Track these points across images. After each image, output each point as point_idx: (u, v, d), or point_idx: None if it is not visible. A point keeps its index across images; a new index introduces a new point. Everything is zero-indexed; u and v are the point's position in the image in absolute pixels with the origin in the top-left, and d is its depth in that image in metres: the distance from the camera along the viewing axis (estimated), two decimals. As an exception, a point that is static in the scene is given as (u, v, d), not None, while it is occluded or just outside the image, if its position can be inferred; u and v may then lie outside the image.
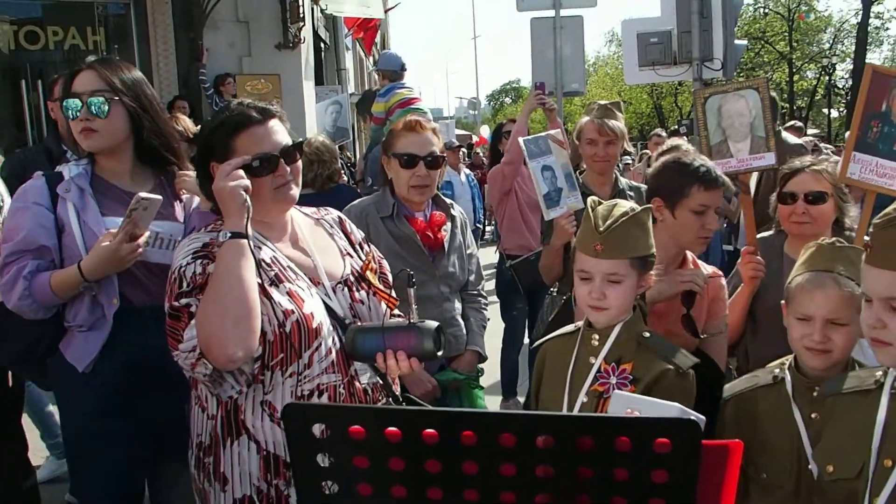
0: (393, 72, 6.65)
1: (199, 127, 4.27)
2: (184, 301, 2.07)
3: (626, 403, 1.99)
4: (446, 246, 3.32)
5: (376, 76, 7.63)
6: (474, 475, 1.22)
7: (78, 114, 2.56)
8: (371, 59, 22.42)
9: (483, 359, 3.42)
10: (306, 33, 11.09)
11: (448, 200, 3.52)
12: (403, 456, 1.24)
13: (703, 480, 1.14)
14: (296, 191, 2.29)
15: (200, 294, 2.06)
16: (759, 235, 3.06)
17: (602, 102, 4.07)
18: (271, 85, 10.15)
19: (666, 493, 1.15)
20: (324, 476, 1.31)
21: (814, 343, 2.19)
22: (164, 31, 9.58)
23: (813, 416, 2.17)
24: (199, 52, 9.78)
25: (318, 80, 13.61)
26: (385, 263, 2.62)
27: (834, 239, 2.33)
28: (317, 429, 1.29)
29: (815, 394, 2.15)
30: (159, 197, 2.52)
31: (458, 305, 3.37)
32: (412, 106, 6.07)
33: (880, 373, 1.82)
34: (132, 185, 2.66)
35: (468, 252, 3.48)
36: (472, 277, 3.47)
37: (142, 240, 2.50)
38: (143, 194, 2.46)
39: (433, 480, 1.24)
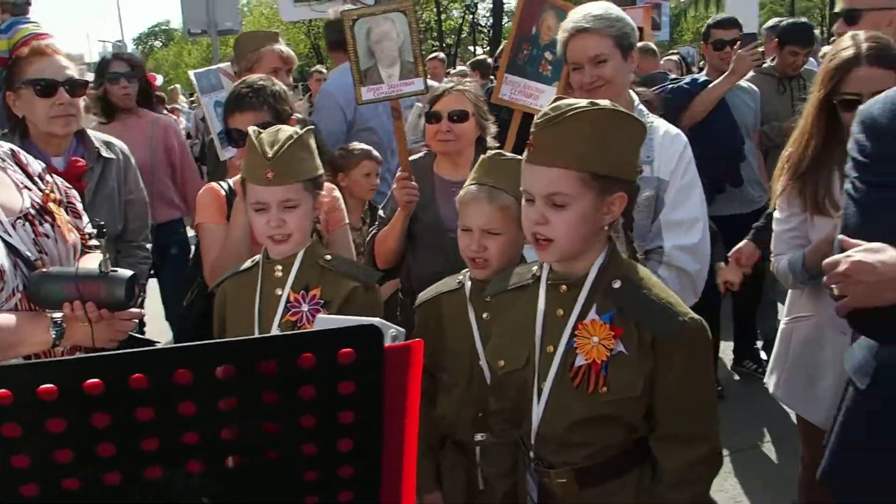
0: (14, 4, 5.82)
1: None
2: None
3: (329, 325, 1.99)
4: (88, 196, 3.04)
5: (-6, 10, 6.64)
6: (151, 421, 1.11)
7: None
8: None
9: None
10: None
11: (107, 138, 3.20)
12: (63, 415, 1.09)
13: (388, 384, 1.15)
14: None
15: None
16: (410, 158, 3.16)
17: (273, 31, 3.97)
18: None
19: (354, 403, 1.14)
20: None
21: (472, 252, 2.35)
22: None
23: (484, 315, 2.33)
24: None
25: (-76, 21, 11.63)
26: (74, 193, 2.44)
27: (495, 152, 2.49)
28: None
29: (486, 297, 2.32)
30: None
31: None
32: (43, 41, 5.38)
33: (536, 267, 1.97)
34: None
35: (129, 198, 3.21)
36: (132, 226, 3.22)
37: None
38: None
39: (103, 435, 1.11)
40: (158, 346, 2.59)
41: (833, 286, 1.68)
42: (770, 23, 6.41)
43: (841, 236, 1.74)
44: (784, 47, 5.43)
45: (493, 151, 2.51)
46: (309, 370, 1.10)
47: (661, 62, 8.47)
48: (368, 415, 1.15)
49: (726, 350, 5.60)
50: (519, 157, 2.13)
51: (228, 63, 3.54)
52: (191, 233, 4.70)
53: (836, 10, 3.73)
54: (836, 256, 1.68)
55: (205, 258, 2.84)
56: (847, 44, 2.67)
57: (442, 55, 11.85)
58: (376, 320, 1.80)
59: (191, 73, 3.38)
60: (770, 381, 3.02)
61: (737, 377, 5.44)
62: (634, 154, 1.84)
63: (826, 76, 2.66)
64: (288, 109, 2.89)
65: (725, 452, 4.35)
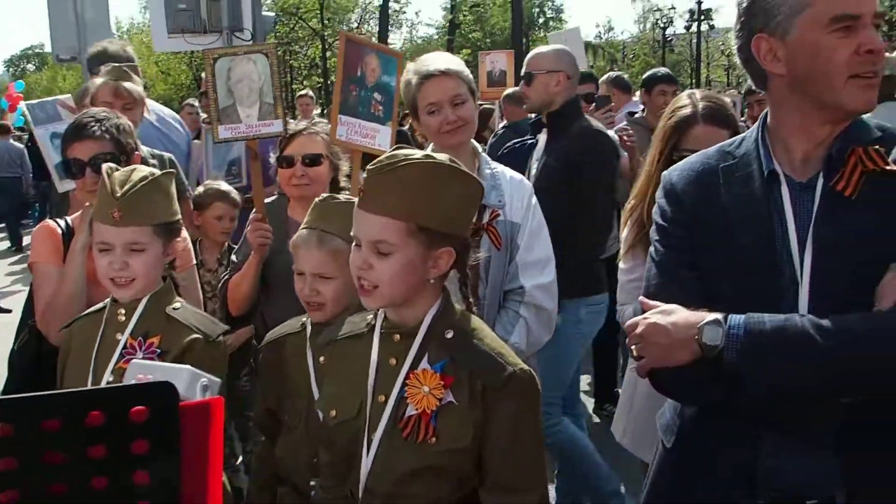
0: None
1: None
2: None
3: (140, 370, 1.90)
4: None
5: None
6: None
7: None
8: None
9: None
10: None
11: None
12: None
13: (187, 442, 1.11)
14: None
15: None
16: (266, 201, 3.12)
17: (116, 65, 3.79)
18: None
19: (149, 463, 1.09)
20: None
21: (306, 296, 2.33)
22: None
23: (321, 359, 2.29)
24: None
25: None
26: None
27: (328, 195, 2.49)
28: None
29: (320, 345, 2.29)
30: None
31: None
32: None
33: (371, 316, 1.96)
34: None
35: None
36: None
37: None
38: None
39: None
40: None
41: (633, 347, 1.75)
42: (612, 76, 6.80)
43: (642, 297, 1.82)
44: (652, 91, 5.67)
45: (326, 195, 2.50)
46: (98, 429, 1.04)
47: None
48: (165, 474, 1.11)
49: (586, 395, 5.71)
50: (353, 199, 2.12)
51: (69, 95, 3.37)
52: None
53: (522, 73, 4.07)
54: (636, 318, 1.76)
55: (37, 300, 2.68)
56: (685, 102, 2.80)
57: (311, 93, 11.97)
58: (187, 367, 1.76)
59: (22, 104, 3.23)
60: (617, 430, 3.05)
61: (597, 420, 5.54)
62: (466, 211, 1.85)
63: (665, 133, 2.77)
64: (132, 143, 2.78)
65: (584, 497, 4.41)
